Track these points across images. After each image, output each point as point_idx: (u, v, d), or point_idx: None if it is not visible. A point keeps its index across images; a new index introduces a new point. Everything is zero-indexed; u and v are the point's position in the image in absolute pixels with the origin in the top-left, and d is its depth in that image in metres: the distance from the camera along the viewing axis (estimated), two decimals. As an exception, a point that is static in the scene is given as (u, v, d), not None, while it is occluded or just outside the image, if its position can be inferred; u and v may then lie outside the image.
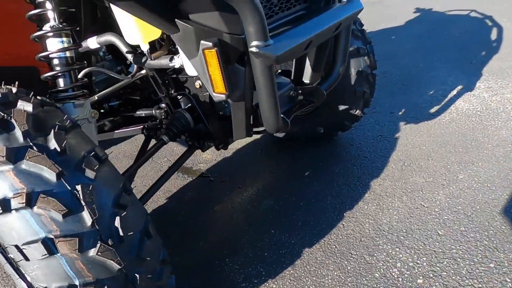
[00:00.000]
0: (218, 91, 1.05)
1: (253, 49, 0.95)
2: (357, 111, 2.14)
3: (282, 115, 1.30)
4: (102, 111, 1.96)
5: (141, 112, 1.82)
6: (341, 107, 2.12)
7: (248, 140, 2.67)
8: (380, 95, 2.96)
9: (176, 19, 0.95)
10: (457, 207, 1.71)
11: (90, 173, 0.89)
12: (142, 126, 1.82)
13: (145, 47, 1.20)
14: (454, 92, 2.80)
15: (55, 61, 1.20)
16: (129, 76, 1.49)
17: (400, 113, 2.66)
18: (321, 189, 2.02)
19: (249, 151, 2.56)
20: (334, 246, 1.63)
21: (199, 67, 1.03)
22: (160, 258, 1.03)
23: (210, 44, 0.97)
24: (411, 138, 2.32)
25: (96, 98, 1.54)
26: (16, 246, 0.82)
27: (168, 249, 1.77)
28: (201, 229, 1.90)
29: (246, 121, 1.20)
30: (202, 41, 0.97)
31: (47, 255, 0.81)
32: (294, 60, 1.54)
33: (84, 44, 1.40)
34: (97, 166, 0.91)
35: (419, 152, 2.16)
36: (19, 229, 0.81)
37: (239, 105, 1.15)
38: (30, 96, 0.96)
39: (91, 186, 0.86)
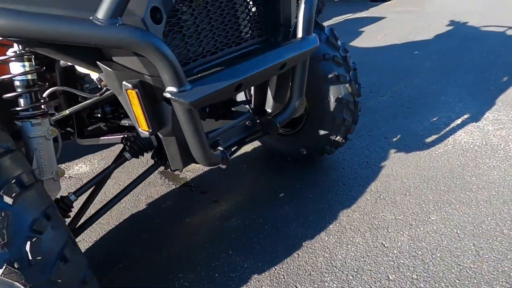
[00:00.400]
0: (142, 129, 1.10)
1: (167, 95, 0.98)
2: (338, 137, 2.10)
3: (222, 149, 1.33)
4: (99, 115, 2.07)
5: (125, 122, 1.91)
6: (321, 132, 2.09)
7: (239, 152, 2.71)
8: (381, 117, 2.88)
9: (98, 61, 1.01)
10: (417, 251, 1.63)
11: (7, 199, 0.97)
12: (122, 136, 1.91)
13: (94, 76, 1.28)
14: (459, 121, 2.64)
15: (17, 83, 1.31)
16: (97, 94, 1.58)
17: (395, 139, 2.56)
18: (290, 213, 2.01)
19: (236, 164, 2.60)
20: (283, 277, 1.63)
21: (125, 105, 1.08)
22: (79, 279, 1.10)
23: (130, 85, 1.02)
24: (396, 168, 2.24)
25: (68, 112, 1.64)
26: None
27: (134, 255, 1.88)
28: (168, 239, 1.98)
29: (180, 153, 1.24)
30: (123, 82, 1.02)
31: None
32: (253, 90, 1.55)
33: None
34: (17, 192, 0.99)
35: (399, 186, 2.08)
36: None
37: (170, 139, 1.19)
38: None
39: (3, 213, 0.95)
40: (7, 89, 1.37)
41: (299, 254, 1.74)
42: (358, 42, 5.18)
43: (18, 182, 1.01)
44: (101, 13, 0.83)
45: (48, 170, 1.41)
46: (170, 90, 0.98)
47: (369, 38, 5.28)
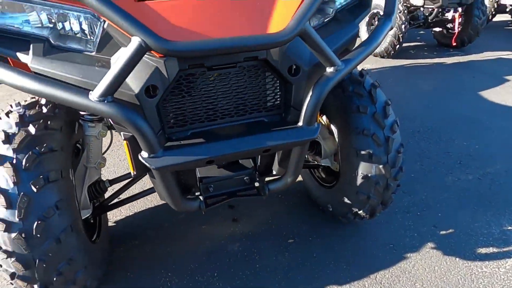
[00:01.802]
0: (130, 170, 1.35)
1: (140, 157, 1.20)
2: (361, 211, 2.01)
3: (202, 199, 1.50)
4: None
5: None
6: (345, 199, 2.03)
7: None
8: (447, 198, 2.55)
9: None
10: None
11: (34, 188, 1.37)
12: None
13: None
14: (540, 243, 2.13)
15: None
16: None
17: (444, 232, 2.25)
18: (285, 262, 2.06)
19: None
20: (239, 320, 1.76)
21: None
22: (68, 257, 1.47)
23: (123, 137, 1.27)
24: (419, 266, 2.01)
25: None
26: None
27: (149, 238, 2.26)
28: (178, 237, 2.28)
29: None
30: (121, 133, 1.28)
31: None
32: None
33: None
34: (42, 185, 1.39)
35: (407, 287, 1.89)
36: None
37: (154, 181, 1.42)
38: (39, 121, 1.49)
39: (27, 197, 1.35)
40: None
41: (262, 308, 1.82)
42: (491, 93, 4.37)
43: (45, 177, 1.41)
44: (95, 92, 1.09)
45: (93, 161, 1.84)
46: (143, 154, 1.20)
47: (508, 93, 4.39)
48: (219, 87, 1.34)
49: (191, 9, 1.16)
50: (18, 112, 1.50)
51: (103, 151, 1.90)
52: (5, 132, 1.43)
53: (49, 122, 1.52)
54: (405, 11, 5.48)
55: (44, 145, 1.45)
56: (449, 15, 5.67)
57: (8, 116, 1.50)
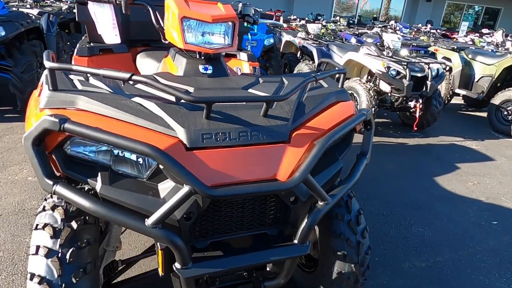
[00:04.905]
0: (159, 269, 1.69)
1: (174, 267, 1.55)
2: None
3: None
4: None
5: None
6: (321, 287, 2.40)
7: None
8: (405, 284, 2.96)
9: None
10: None
11: (73, 279, 1.65)
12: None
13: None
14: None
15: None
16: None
17: (400, 318, 2.66)
18: None
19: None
20: None
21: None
22: None
23: (159, 247, 1.61)
24: None
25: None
26: None
27: None
28: None
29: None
30: (158, 243, 1.63)
31: None
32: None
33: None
34: (81, 276, 1.67)
35: None
36: None
37: (175, 279, 1.75)
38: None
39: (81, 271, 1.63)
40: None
41: None
42: (444, 180, 5.05)
43: (83, 269, 1.68)
44: (150, 220, 1.45)
45: (112, 245, 2.13)
46: (176, 265, 1.55)
47: (457, 180, 5.11)
48: (236, 210, 1.73)
49: (226, 156, 1.57)
50: (62, 207, 1.80)
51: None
52: (52, 227, 1.72)
53: (87, 218, 1.82)
54: (375, 97, 6.28)
55: (84, 240, 1.75)
56: (411, 104, 6.54)
57: (53, 210, 1.79)
